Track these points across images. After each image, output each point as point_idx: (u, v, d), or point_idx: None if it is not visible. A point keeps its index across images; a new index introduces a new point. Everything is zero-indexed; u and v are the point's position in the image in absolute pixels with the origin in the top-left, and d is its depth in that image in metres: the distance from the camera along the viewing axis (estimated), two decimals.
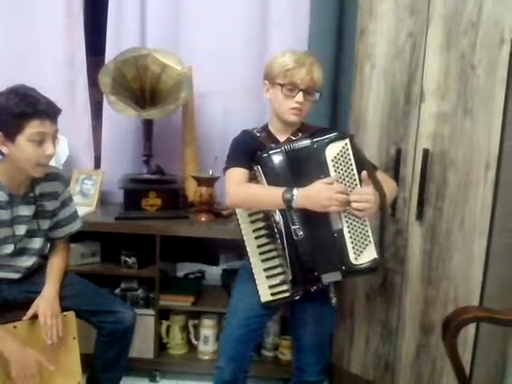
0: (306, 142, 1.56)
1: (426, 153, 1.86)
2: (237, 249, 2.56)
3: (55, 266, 1.84)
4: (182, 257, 2.60)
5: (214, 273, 2.64)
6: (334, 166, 1.52)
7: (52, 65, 2.56)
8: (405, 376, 2.03)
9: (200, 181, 2.36)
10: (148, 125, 2.43)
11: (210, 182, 2.35)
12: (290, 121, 1.68)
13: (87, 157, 2.68)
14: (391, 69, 1.97)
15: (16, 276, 1.79)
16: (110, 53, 2.50)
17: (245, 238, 1.65)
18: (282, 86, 1.64)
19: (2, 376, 1.62)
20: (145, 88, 2.43)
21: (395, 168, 1.95)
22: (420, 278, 1.94)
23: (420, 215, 1.90)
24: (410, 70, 1.91)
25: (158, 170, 2.45)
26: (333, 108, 2.46)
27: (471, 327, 1.77)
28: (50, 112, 1.63)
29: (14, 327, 1.68)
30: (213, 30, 2.55)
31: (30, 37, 2.55)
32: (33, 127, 1.59)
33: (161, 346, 2.39)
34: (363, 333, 2.15)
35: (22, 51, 2.55)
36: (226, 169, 1.67)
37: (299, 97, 1.63)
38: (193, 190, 2.42)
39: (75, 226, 1.92)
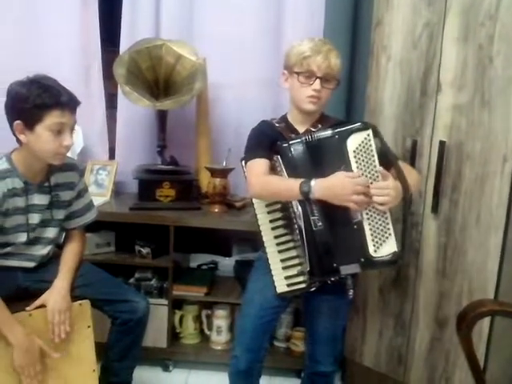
0: (327, 133, 1.53)
1: (442, 145, 1.84)
2: (250, 240, 2.57)
3: (69, 258, 1.84)
4: (196, 248, 2.61)
5: (226, 264, 2.65)
6: (355, 157, 1.49)
7: (67, 56, 2.57)
8: (418, 369, 2.02)
9: (214, 172, 2.36)
10: (162, 116, 2.43)
11: (223, 173, 2.35)
12: (308, 109, 1.65)
13: (102, 147, 2.69)
14: (407, 60, 1.95)
15: (31, 265, 1.81)
16: (125, 43, 2.50)
17: (261, 228, 1.65)
18: (298, 74, 1.62)
19: (6, 362, 1.64)
20: (159, 79, 2.43)
21: (411, 160, 1.92)
22: (434, 271, 1.93)
23: (435, 208, 1.88)
24: (426, 62, 1.89)
25: (172, 160, 2.46)
26: (348, 99, 2.45)
27: (486, 320, 1.75)
28: (70, 103, 1.64)
29: (30, 315, 1.70)
30: (227, 21, 2.54)
31: (45, 27, 2.55)
32: (53, 117, 1.60)
33: (174, 336, 2.41)
34: (376, 326, 2.15)
35: (37, 42, 2.56)
36: (245, 159, 1.65)
37: (316, 84, 1.60)
38: (206, 181, 2.43)
39: (90, 217, 1.93)
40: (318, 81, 1.60)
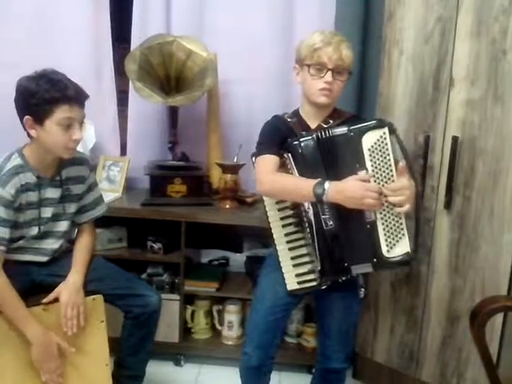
0: (342, 129, 1.51)
1: (454, 140, 1.83)
2: (261, 236, 2.57)
3: (81, 252, 1.86)
4: (207, 243, 2.62)
5: (237, 260, 2.66)
6: (370, 155, 1.47)
7: (79, 53, 2.58)
8: (430, 365, 2.02)
9: (225, 168, 2.36)
10: (173, 112, 2.44)
11: (234, 169, 2.36)
12: (320, 102, 1.62)
13: (113, 143, 2.70)
14: (420, 55, 1.94)
15: (44, 259, 1.82)
16: (136, 40, 2.50)
17: (272, 225, 1.64)
18: (309, 66, 1.59)
19: (26, 357, 1.66)
20: (170, 75, 2.43)
21: (424, 156, 1.92)
22: (447, 268, 1.92)
23: (448, 204, 1.87)
24: (439, 56, 1.88)
25: (183, 156, 2.46)
26: (359, 94, 2.44)
27: (498, 316, 1.75)
28: (78, 97, 1.65)
29: (44, 309, 1.72)
30: (238, 17, 2.53)
31: (57, 25, 2.56)
32: (62, 112, 1.61)
33: (185, 331, 2.42)
34: (388, 322, 2.14)
35: (49, 39, 2.57)
36: (256, 155, 1.64)
37: (328, 76, 1.57)
38: (217, 177, 2.43)
39: (100, 211, 1.94)
40: (329, 73, 1.58)
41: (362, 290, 1.63)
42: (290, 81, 2.54)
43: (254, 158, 1.66)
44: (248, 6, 2.52)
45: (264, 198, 1.65)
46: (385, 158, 1.48)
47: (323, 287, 1.61)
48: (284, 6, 2.51)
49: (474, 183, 1.81)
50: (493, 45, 1.73)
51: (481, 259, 1.82)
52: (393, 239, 1.49)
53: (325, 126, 1.64)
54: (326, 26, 2.38)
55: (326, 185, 1.44)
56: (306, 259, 1.62)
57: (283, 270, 1.63)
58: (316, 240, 1.52)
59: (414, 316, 2.05)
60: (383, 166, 1.48)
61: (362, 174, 1.47)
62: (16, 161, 1.69)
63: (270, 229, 1.65)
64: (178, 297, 2.34)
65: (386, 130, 1.48)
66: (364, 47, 2.41)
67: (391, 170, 1.48)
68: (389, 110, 2.05)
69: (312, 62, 1.59)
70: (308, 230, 1.54)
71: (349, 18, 2.34)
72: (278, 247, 1.63)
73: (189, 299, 2.42)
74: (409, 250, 1.50)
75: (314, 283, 1.61)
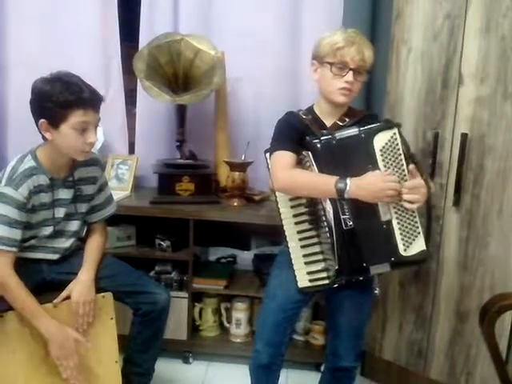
0: (354, 131, 1.51)
1: (463, 138, 1.83)
2: (268, 234, 2.58)
3: (92, 251, 1.87)
4: (215, 241, 2.63)
5: (245, 257, 2.66)
6: (382, 155, 1.48)
7: (87, 52, 2.59)
8: (438, 363, 2.02)
9: (232, 166, 2.37)
10: (181, 110, 2.44)
11: (242, 166, 2.36)
12: (339, 102, 1.61)
13: (122, 142, 2.71)
14: (428, 52, 1.93)
15: (55, 257, 1.83)
16: (144, 39, 2.51)
17: (284, 222, 1.63)
18: (331, 64, 1.57)
19: (37, 354, 1.68)
20: (178, 73, 2.44)
21: (432, 153, 1.92)
22: (456, 265, 1.92)
23: (457, 201, 1.87)
24: (447, 54, 1.88)
25: (191, 155, 2.47)
26: (367, 92, 2.43)
27: (507, 313, 1.73)
28: (93, 101, 1.65)
29: (54, 306, 1.73)
30: (245, 14, 2.53)
31: (65, 24, 2.58)
32: (76, 116, 1.61)
33: (194, 328, 2.43)
34: (396, 319, 2.14)
35: (57, 38, 2.58)
36: (271, 151, 1.61)
37: (349, 76, 1.56)
38: (225, 175, 2.44)
39: (111, 210, 1.96)
40: (350, 72, 1.56)
41: (377, 289, 1.63)
42: (298, 79, 2.56)
43: (267, 155, 1.65)
44: (255, 5, 2.53)
45: (277, 194, 1.64)
46: (396, 158, 1.48)
47: (334, 286, 1.60)
48: (291, 4, 2.51)
49: (483, 181, 1.81)
50: (502, 42, 1.72)
51: (490, 257, 1.82)
52: (409, 238, 1.49)
53: (341, 124, 1.63)
54: (334, 24, 2.38)
55: (348, 180, 1.44)
56: (319, 257, 1.61)
57: (294, 267, 1.62)
58: (335, 239, 1.50)
59: (422, 313, 2.05)
60: (395, 166, 1.48)
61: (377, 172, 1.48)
62: (29, 163, 1.69)
63: (282, 226, 1.64)
64: (186, 294, 2.35)
65: (395, 130, 1.49)
66: (372, 45, 2.39)
67: (403, 170, 1.48)
68: (397, 107, 2.05)
69: (334, 61, 1.57)
70: (326, 229, 1.52)
71: (357, 15, 2.33)
72: (289, 244, 1.63)
73: (197, 297, 2.43)
74: (424, 248, 1.50)
75: (326, 281, 1.60)
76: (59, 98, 1.58)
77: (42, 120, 1.63)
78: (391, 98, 2.08)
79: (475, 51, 1.80)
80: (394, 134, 1.49)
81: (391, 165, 1.48)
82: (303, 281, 1.62)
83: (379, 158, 1.48)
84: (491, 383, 1.81)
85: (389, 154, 1.48)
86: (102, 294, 1.81)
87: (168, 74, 2.43)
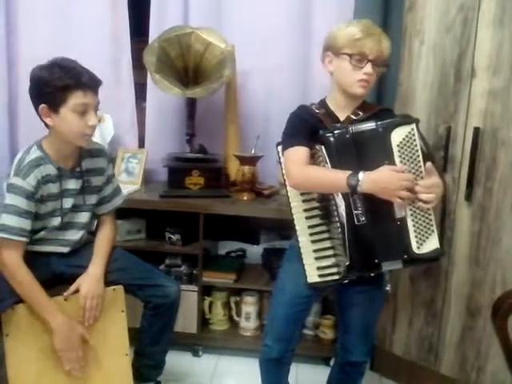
0: (371, 125, 1.48)
1: (476, 131, 1.81)
2: (278, 228, 2.57)
3: (102, 244, 1.87)
4: (224, 235, 2.63)
5: (254, 252, 2.66)
6: (399, 151, 1.45)
7: (97, 46, 2.59)
8: (449, 358, 2.01)
9: (242, 160, 2.36)
10: (191, 104, 2.44)
11: (252, 160, 2.35)
12: (357, 93, 1.57)
13: (132, 136, 2.72)
14: (441, 45, 1.91)
15: (65, 250, 1.84)
16: (154, 32, 2.51)
17: (295, 217, 1.61)
18: (350, 56, 1.53)
19: (48, 345, 1.69)
20: (188, 66, 2.43)
21: (445, 147, 1.90)
22: (467, 260, 1.90)
23: (469, 196, 1.85)
24: (460, 46, 1.86)
25: (201, 148, 2.46)
26: (378, 85, 2.40)
27: None
28: (92, 83, 1.66)
29: (65, 299, 1.74)
30: (255, 7, 2.52)
31: (75, 18, 2.58)
32: (76, 98, 1.62)
33: (203, 322, 2.43)
34: (407, 314, 2.13)
35: (67, 33, 2.59)
36: (283, 146, 1.58)
37: (368, 68, 1.52)
38: (235, 169, 2.43)
39: (118, 201, 1.96)
40: (369, 64, 1.53)
41: (389, 285, 1.61)
42: (308, 72, 2.54)
43: (279, 148, 1.63)
44: None
45: (288, 188, 1.62)
46: (413, 154, 1.45)
47: (345, 281, 1.58)
48: None
49: (496, 174, 1.79)
50: None
51: (502, 251, 1.80)
52: (423, 236, 1.47)
53: (354, 117, 1.59)
54: (345, 16, 2.35)
55: (360, 175, 1.41)
56: (330, 252, 1.60)
57: (304, 262, 1.60)
58: (347, 235, 1.48)
59: (433, 308, 2.04)
60: (412, 163, 1.45)
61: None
62: (36, 153, 1.70)
63: (293, 220, 1.62)
64: (195, 288, 2.36)
65: (413, 125, 1.46)
66: None
67: (420, 167, 1.45)
68: (409, 100, 2.03)
69: (353, 52, 1.53)
70: (337, 224, 1.50)
71: (369, 7, 2.29)
72: (299, 239, 1.61)
73: (207, 290, 2.43)
74: (438, 247, 1.48)
75: (337, 277, 1.58)
76: (58, 83, 1.59)
77: (42, 105, 1.64)
78: (403, 90, 2.06)
79: (488, 43, 1.77)
80: (412, 129, 1.46)
81: (408, 161, 1.45)
82: (313, 276, 1.60)
83: (396, 154, 1.45)
84: (502, 379, 1.81)
85: (406, 150, 1.45)
86: (113, 287, 1.81)
87: (178, 68, 2.42)
